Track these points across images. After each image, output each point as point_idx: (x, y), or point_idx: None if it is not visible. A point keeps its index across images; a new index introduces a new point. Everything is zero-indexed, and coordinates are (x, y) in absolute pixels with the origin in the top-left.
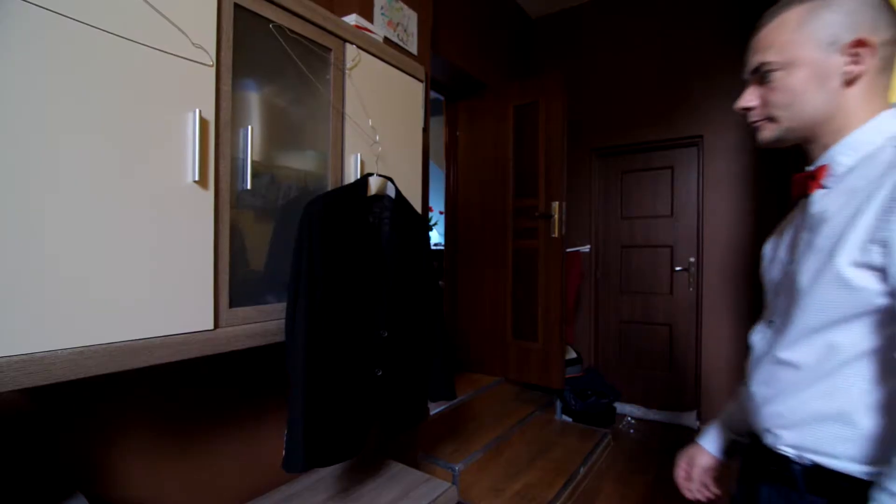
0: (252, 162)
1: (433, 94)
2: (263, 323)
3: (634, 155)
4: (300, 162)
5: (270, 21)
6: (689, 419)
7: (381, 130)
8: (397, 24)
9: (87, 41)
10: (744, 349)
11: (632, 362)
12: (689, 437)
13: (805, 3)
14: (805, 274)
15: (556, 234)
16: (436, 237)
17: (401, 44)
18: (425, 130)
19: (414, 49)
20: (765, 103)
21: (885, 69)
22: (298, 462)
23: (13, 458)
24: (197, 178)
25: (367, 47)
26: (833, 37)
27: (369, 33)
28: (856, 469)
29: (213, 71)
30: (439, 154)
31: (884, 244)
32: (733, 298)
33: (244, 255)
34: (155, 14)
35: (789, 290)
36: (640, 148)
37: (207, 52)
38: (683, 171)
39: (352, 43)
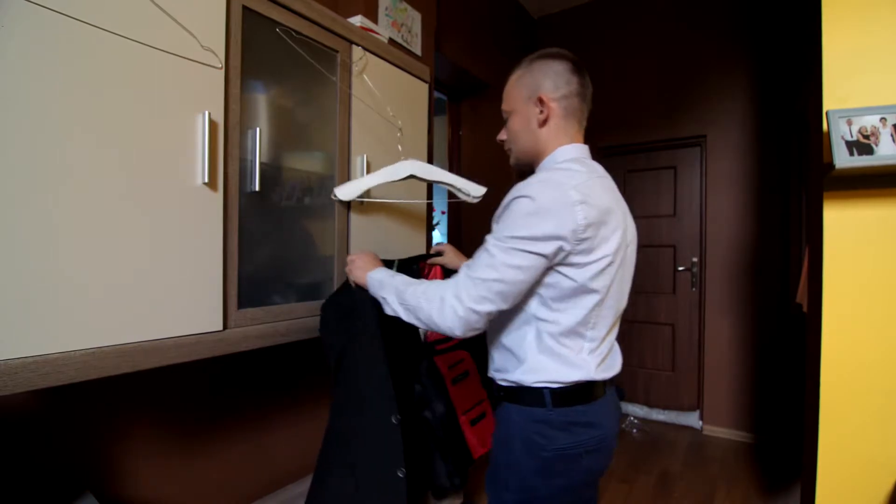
0: (260, 163)
1: (436, 94)
2: (272, 324)
3: (638, 154)
4: (307, 163)
5: (278, 24)
6: (692, 419)
7: (386, 131)
8: (401, 25)
9: (98, 44)
10: (746, 349)
11: (634, 362)
12: (691, 436)
13: (516, 71)
14: None
15: None
16: (438, 237)
17: (405, 45)
18: (430, 131)
19: (418, 50)
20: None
21: (567, 116)
22: None
23: (24, 457)
24: (206, 181)
25: (373, 49)
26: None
27: (374, 34)
28: None
29: (222, 73)
30: (442, 153)
31: None
32: (736, 298)
33: (252, 256)
34: (165, 17)
35: None
36: (644, 147)
37: (216, 55)
38: (686, 171)
39: (358, 45)
